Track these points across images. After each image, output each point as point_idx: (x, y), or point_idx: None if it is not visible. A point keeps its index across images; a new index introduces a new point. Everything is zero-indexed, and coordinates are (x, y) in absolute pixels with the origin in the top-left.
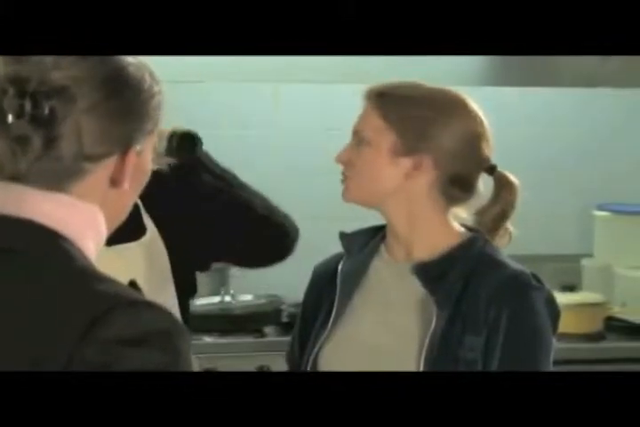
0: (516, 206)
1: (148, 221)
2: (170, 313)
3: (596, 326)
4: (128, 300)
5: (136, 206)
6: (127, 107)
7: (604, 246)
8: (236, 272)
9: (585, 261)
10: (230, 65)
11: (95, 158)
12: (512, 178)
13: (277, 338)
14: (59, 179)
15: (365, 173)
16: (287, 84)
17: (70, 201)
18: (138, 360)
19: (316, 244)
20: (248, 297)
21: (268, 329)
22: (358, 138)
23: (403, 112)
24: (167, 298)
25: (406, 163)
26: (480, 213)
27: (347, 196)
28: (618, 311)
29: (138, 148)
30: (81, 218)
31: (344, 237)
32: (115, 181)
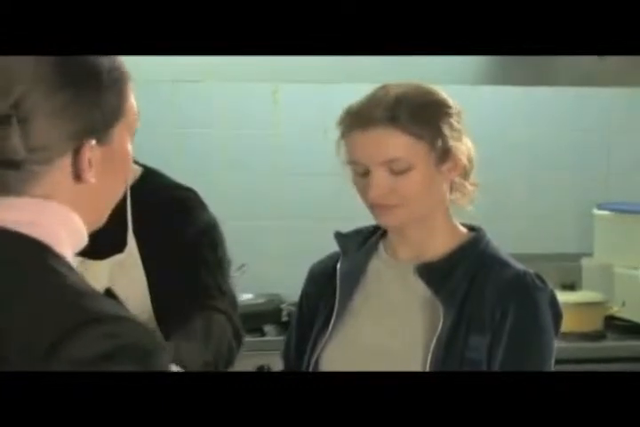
0: (473, 164)
1: (130, 238)
2: (143, 326)
3: (596, 325)
4: (94, 315)
5: (124, 223)
6: (66, 106)
7: (604, 246)
8: (235, 271)
9: (585, 261)
10: (229, 64)
11: (44, 161)
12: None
13: (277, 337)
14: (14, 186)
15: (419, 195)
16: (286, 84)
17: (35, 202)
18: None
19: (315, 243)
20: (248, 296)
21: (268, 328)
22: (392, 169)
23: (425, 125)
24: (145, 315)
25: (448, 166)
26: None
27: (395, 221)
28: (617, 310)
29: (93, 141)
30: (50, 218)
31: (339, 237)
32: (77, 177)
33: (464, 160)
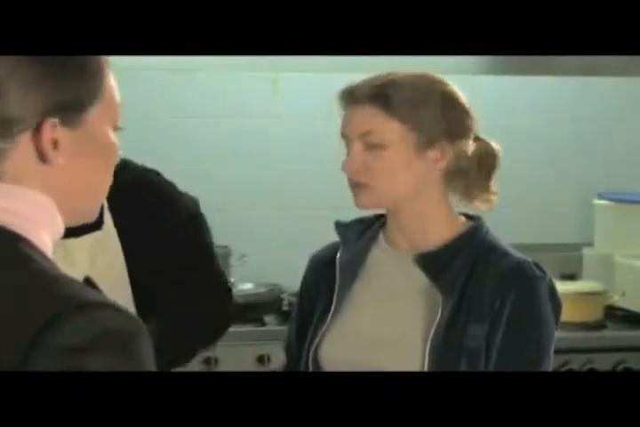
0: (496, 171)
1: (107, 217)
2: (125, 312)
3: (596, 314)
4: (77, 302)
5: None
6: (32, 81)
7: (605, 235)
8: (236, 261)
9: (585, 250)
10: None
11: (7, 135)
12: (493, 144)
13: (278, 327)
14: None
15: (390, 176)
16: (287, 73)
17: (9, 187)
18: (92, 367)
19: (316, 232)
20: (248, 286)
21: (269, 318)
22: (367, 143)
23: (412, 107)
24: (123, 293)
25: (432, 154)
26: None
27: (365, 202)
28: (618, 300)
29: (54, 120)
30: (25, 205)
31: (340, 226)
32: (41, 157)
33: (451, 154)
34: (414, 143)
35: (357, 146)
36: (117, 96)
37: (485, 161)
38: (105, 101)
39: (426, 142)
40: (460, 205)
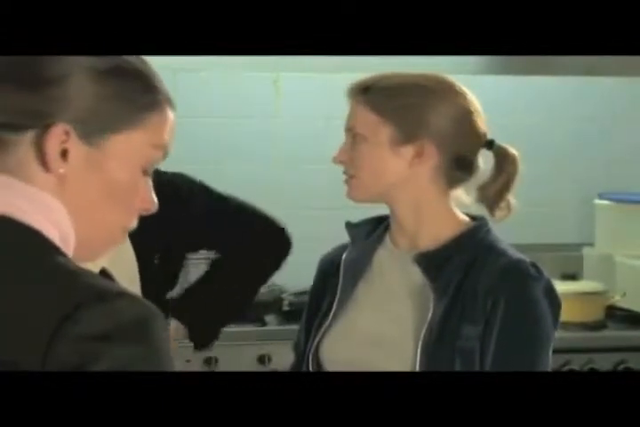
0: (517, 178)
1: None
2: (141, 300)
3: (597, 314)
4: (96, 293)
5: None
6: (37, 76)
7: (605, 235)
8: None
9: (586, 250)
10: None
11: (11, 127)
12: (511, 150)
13: (278, 327)
14: None
15: (369, 169)
16: (288, 73)
17: (10, 182)
18: (113, 355)
19: (316, 233)
20: None
21: (269, 318)
22: (353, 135)
23: (394, 102)
24: (134, 287)
25: (408, 151)
26: (483, 188)
27: (354, 195)
28: (618, 300)
29: (67, 126)
30: (29, 203)
31: (349, 226)
32: (41, 162)
33: (436, 154)
34: (389, 136)
35: (347, 139)
36: (164, 146)
37: (503, 168)
38: (142, 140)
39: (402, 138)
40: (462, 207)
